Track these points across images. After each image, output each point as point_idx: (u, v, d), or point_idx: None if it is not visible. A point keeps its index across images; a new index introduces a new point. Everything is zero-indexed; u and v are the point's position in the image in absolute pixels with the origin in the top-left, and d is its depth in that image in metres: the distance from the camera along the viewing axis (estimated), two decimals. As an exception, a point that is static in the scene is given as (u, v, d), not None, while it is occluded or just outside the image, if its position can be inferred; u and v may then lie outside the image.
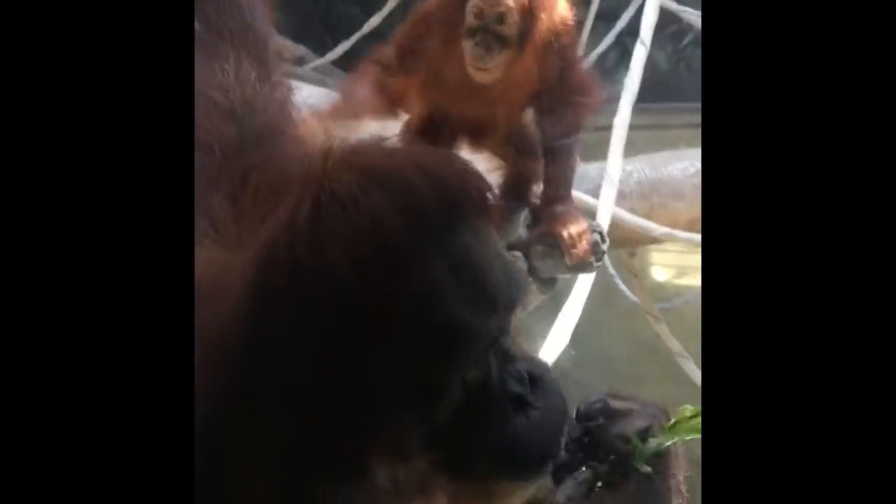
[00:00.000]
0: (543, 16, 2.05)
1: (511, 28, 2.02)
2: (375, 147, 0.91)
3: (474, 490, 0.94)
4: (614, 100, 2.80)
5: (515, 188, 2.29)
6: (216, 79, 1.16)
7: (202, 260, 0.97)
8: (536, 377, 0.94)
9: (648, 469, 1.08)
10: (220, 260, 0.97)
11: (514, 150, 2.26)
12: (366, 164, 0.87)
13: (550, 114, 2.17)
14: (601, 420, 1.10)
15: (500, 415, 0.90)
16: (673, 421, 1.10)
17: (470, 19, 2.01)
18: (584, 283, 2.34)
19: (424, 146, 1.74)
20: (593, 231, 2.26)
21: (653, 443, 1.09)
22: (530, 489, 0.97)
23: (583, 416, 1.11)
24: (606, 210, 2.42)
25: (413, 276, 0.83)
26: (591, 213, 2.42)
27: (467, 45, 2.03)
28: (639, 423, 1.11)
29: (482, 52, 2.02)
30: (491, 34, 2.01)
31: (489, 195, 0.91)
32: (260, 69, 1.18)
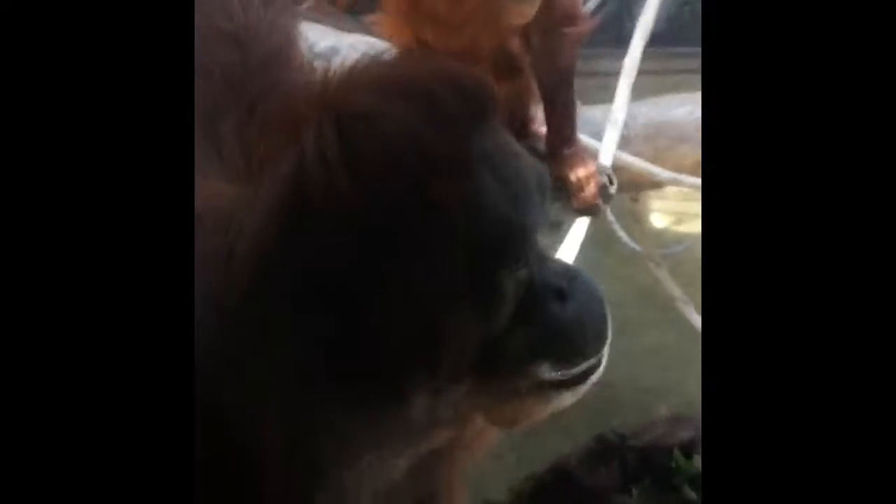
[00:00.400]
0: None
1: None
2: (377, 63, 0.89)
3: (511, 406, 0.93)
4: (621, 44, 2.75)
5: (513, 114, 2.23)
6: (219, 3, 1.11)
7: (209, 192, 0.94)
8: (572, 272, 0.94)
9: (693, 495, 0.99)
10: (228, 193, 0.93)
11: (501, 72, 2.19)
12: (376, 78, 0.86)
13: (542, 51, 2.13)
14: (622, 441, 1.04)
15: (547, 309, 0.90)
16: None
17: None
18: (580, 223, 2.30)
19: (421, 56, 1.70)
20: (601, 173, 2.22)
21: (698, 461, 1.00)
22: (562, 403, 0.95)
23: (603, 444, 1.05)
24: (609, 152, 2.37)
25: (457, 178, 0.82)
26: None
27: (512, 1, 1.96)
28: (682, 434, 1.04)
29: (535, 4, 1.97)
30: None
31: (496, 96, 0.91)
32: None
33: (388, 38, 2.28)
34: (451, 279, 0.82)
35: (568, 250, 2.28)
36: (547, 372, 0.92)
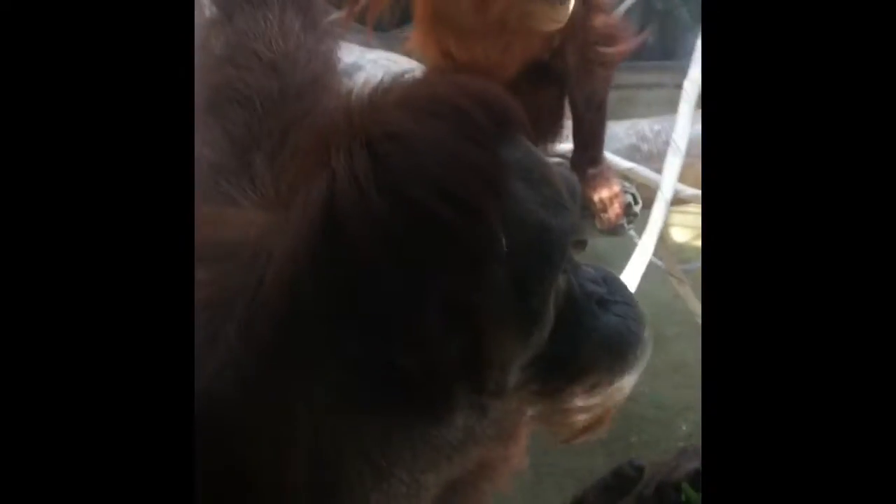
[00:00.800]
0: None
1: None
2: (400, 83, 0.89)
3: (555, 418, 0.93)
4: (641, 57, 2.72)
5: (541, 124, 2.17)
6: (259, 29, 1.11)
7: (242, 221, 0.93)
8: (605, 277, 0.94)
9: None
10: (260, 221, 0.93)
11: (533, 82, 2.14)
12: (402, 97, 0.86)
13: (578, 71, 2.07)
14: (640, 475, 1.04)
15: (589, 317, 0.90)
16: None
17: None
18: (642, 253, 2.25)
19: (443, 74, 1.68)
20: (625, 192, 2.19)
21: None
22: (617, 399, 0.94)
23: (621, 478, 1.05)
24: (671, 181, 2.29)
25: (495, 191, 0.82)
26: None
27: (544, 5, 1.90)
28: (687, 466, 1.03)
29: (567, 8, 1.91)
30: None
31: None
32: (305, 18, 1.14)
33: (416, 52, 2.23)
34: (494, 292, 0.82)
35: (629, 278, 2.21)
36: (606, 374, 0.91)
